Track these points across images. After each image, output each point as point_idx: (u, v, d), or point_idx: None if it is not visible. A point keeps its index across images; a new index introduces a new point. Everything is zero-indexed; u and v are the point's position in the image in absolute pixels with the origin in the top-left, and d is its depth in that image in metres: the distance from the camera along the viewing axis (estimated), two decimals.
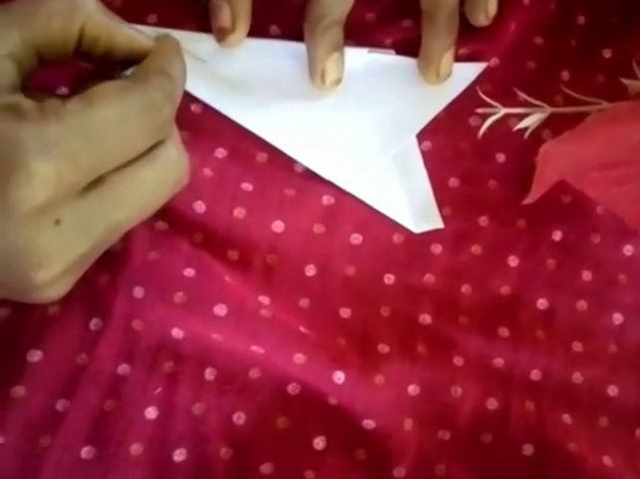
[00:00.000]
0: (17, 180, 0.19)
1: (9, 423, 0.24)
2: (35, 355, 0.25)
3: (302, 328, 0.27)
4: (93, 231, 0.22)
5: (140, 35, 0.24)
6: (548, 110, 0.28)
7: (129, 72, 0.24)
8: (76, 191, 0.21)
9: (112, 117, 0.21)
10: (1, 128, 0.19)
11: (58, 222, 0.20)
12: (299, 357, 0.26)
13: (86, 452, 0.24)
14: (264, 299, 0.27)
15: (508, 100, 0.30)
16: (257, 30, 0.29)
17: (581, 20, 0.32)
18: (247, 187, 0.28)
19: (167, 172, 0.23)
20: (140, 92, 0.22)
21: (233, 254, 0.28)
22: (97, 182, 0.21)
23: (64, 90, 0.27)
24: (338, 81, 0.29)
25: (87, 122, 0.20)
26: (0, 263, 0.20)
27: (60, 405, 0.25)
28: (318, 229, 0.29)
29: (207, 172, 0.28)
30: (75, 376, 0.25)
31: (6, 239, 0.20)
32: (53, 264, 0.21)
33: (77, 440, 0.24)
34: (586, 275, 0.29)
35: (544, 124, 0.29)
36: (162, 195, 0.23)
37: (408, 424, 0.26)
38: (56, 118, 0.20)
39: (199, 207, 0.27)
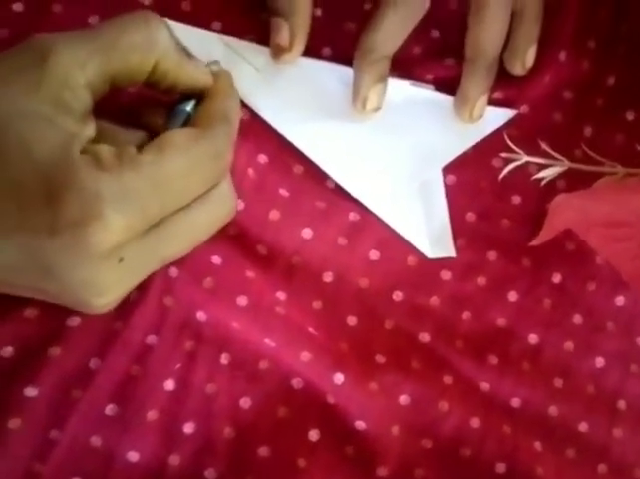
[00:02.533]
0: (93, 228, 0.22)
1: (43, 378, 0.27)
2: (73, 321, 0.27)
3: (311, 329, 0.30)
4: (148, 265, 0.25)
5: (201, 72, 0.26)
6: (566, 165, 0.31)
7: (189, 107, 0.26)
8: (140, 233, 0.23)
9: (182, 167, 0.23)
10: (81, 176, 0.22)
11: (121, 260, 0.23)
12: (305, 355, 0.29)
13: (109, 409, 0.27)
14: (281, 296, 0.30)
15: (532, 147, 0.32)
16: (311, 50, 0.31)
17: (611, 81, 0.34)
18: (284, 192, 0.31)
19: (220, 209, 0.26)
20: (206, 141, 0.24)
21: (262, 249, 0.30)
22: (156, 222, 0.24)
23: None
24: (377, 108, 0.31)
25: (159, 172, 0.23)
26: (67, 291, 0.23)
27: (92, 364, 0.27)
28: (341, 241, 0.31)
29: (251, 173, 0.30)
30: (109, 340, 0.27)
31: (75, 273, 0.23)
32: (111, 295, 0.24)
33: (103, 397, 0.27)
34: (577, 319, 0.32)
35: (561, 175, 0.32)
36: (213, 230, 0.26)
37: (395, 430, 0.29)
38: (131, 169, 0.22)
39: (239, 204, 0.30)
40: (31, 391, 0.26)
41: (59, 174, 0.22)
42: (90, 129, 0.24)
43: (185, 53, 0.26)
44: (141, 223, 0.23)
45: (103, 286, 0.23)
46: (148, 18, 0.24)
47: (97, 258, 0.22)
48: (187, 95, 0.27)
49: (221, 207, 0.26)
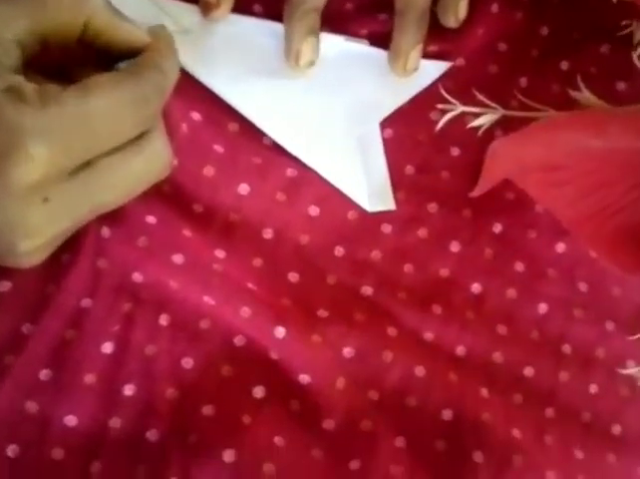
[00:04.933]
0: (16, 159, 0.21)
1: None
2: (4, 286, 0.27)
3: (250, 285, 0.30)
4: (77, 210, 0.24)
5: (138, 31, 0.26)
6: (500, 112, 0.31)
7: (123, 64, 0.26)
8: (65, 172, 0.23)
9: (105, 106, 0.23)
10: (4, 111, 0.21)
11: (46, 200, 0.23)
12: (245, 311, 0.29)
13: (44, 374, 0.26)
14: (220, 253, 0.30)
15: (467, 99, 0.32)
16: (241, 7, 0.31)
17: (545, 31, 0.34)
18: (219, 149, 0.30)
19: (152, 161, 0.25)
20: (132, 84, 0.24)
21: (198, 208, 0.30)
22: (85, 165, 0.23)
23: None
24: (311, 63, 0.31)
25: (82, 110, 0.22)
26: None
27: (25, 329, 0.27)
28: (280, 196, 0.31)
29: (184, 128, 0.30)
30: (42, 304, 0.27)
31: (0, 211, 0.22)
32: (37, 237, 0.23)
33: (37, 362, 0.26)
34: (519, 266, 0.32)
35: (497, 124, 0.32)
36: (145, 182, 0.26)
37: (340, 382, 0.29)
38: (55, 104, 0.22)
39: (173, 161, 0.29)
40: None
41: None
42: (18, 79, 0.23)
43: (118, 14, 0.26)
44: (65, 160, 0.22)
45: (28, 226, 0.23)
46: None
47: (20, 194, 0.22)
48: (128, 57, 0.26)
49: (155, 157, 0.26)
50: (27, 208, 0.22)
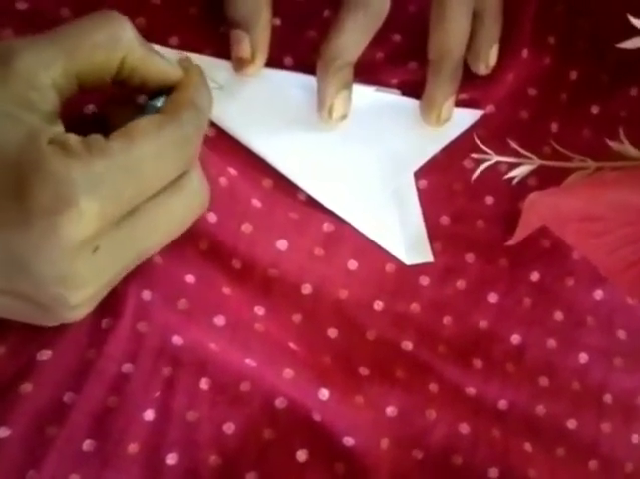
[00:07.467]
0: (68, 216, 0.21)
1: (16, 417, 0.25)
2: (45, 355, 0.26)
3: (292, 344, 0.29)
4: (125, 257, 0.24)
5: (170, 66, 0.26)
6: (537, 162, 0.31)
7: (159, 103, 0.25)
8: (114, 222, 0.22)
9: (150, 152, 0.23)
10: (51, 164, 0.21)
11: (95, 250, 0.22)
12: (288, 373, 0.28)
13: (87, 445, 0.26)
14: (260, 311, 0.29)
15: (501, 145, 0.32)
16: (272, 61, 0.31)
17: (574, 75, 0.34)
18: (257, 203, 0.30)
19: (193, 199, 0.25)
20: (174, 127, 0.24)
21: (237, 264, 0.29)
22: (130, 211, 0.23)
23: (90, 107, 0.28)
24: (344, 116, 0.31)
25: (129, 158, 0.22)
26: (41, 286, 0.22)
27: (67, 398, 0.26)
28: (318, 252, 0.30)
29: (223, 182, 0.29)
30: (82, 371, 0.26)
31: (49, 265, 0.22)
32: (87, 288, 0.23)
33: (80, 432, 0.26)
34: (558, 316, 0.32)
35: (532, 172, 0.32)
36: (188, 220, 0.25)
37: (384, 443, 0.28)
38: (102, 156, 0.22)
39: (211, 217, 0.29)
40: (3, 432, 0.25)
41: (27, 163, 0.21)
42: (58, 127, 0.23)
43: (151, 49, 0.25)
44: (114, 210, 0.22)
45: (79, 279, 0.22)
46: (110, 16, 0.24)
47: (71, 248, 0.21)
48: (159, 92, 0.26)
49: (194, 196, 0.26)
50: (77, 260, 0.22)
